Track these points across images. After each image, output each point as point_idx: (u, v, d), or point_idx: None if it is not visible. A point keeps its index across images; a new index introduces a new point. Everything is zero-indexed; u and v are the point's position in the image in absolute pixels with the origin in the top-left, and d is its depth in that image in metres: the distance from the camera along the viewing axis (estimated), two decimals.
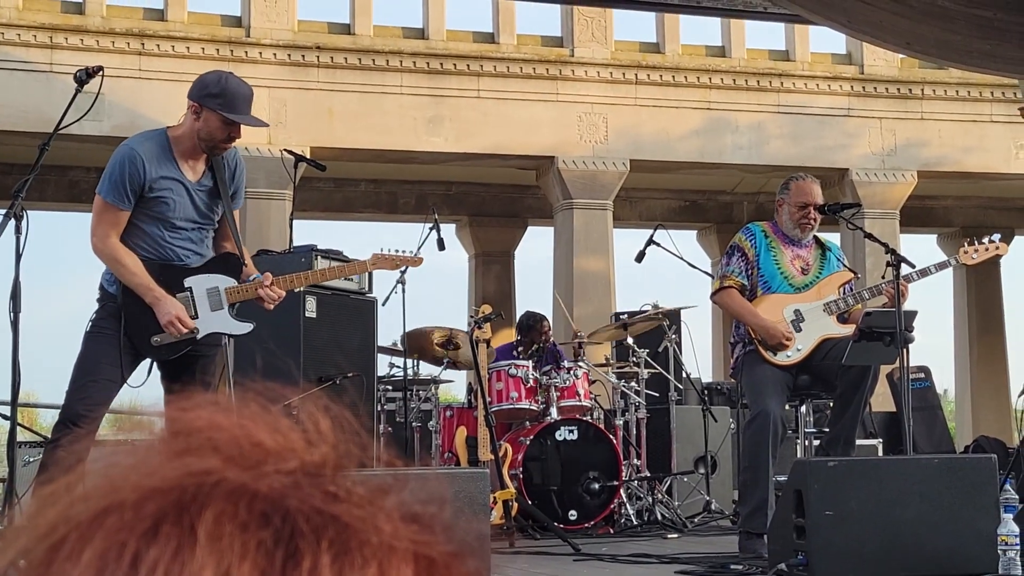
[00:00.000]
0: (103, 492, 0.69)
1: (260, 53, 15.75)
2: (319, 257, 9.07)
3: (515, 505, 8.36)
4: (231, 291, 5.80)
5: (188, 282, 5.73)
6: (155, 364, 5.81)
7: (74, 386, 5.57)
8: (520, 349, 10.67)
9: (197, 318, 5.71)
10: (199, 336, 5.71)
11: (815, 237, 7.48)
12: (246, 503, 0.67)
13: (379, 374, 9.88)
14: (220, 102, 5.62)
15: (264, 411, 0.74)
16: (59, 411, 5.71)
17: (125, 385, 5.67)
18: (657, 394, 10.70)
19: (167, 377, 5.83)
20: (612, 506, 9.40)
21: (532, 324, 10.80)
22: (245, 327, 5.90)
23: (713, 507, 10.10)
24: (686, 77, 17.27)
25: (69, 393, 5.57)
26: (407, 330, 9.85)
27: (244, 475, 0.69)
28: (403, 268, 6.38)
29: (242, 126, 5.73)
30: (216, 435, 0.71)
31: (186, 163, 5.73)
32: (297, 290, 6.31)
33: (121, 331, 5.59)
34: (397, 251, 6.41)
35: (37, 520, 0.70)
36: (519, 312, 13.22)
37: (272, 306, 5.91)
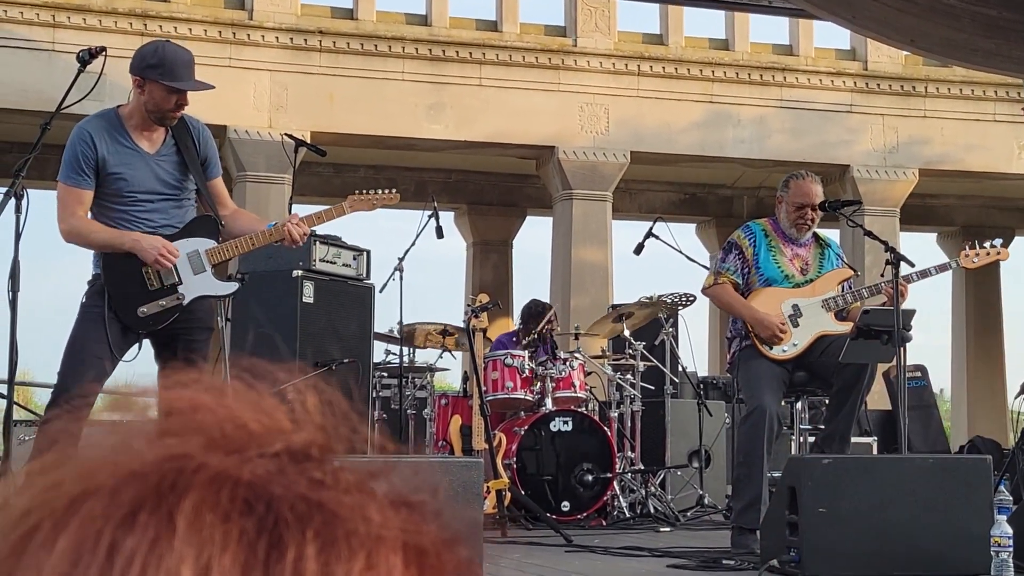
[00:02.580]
0: (80, 476, 0.66)
1: (262, 36, 15.72)
2: (317, 242, 9.07)
3: (508, 495, 8.36)
4: (212, 252, 5.81)
5: None
6: (148, 341, 5.81)
7: (64, 366, 5.60)
8: (518, 337, 10.64)
9: (181, 284, 5.71)
10: (185, 301, 5.70)
11: (815, 234, 7.45)
12: (228, 490, 0.65)
13: (375, 361, 9.88)
14: (160, 71, 5.64)
15: (249, 389, 0.72)
16: (51, 391, 5.72)
17: (121, 362, 5.68)
18: (652, 387, 10.70)
19: (160, 357, 5.83)
20: (605, 498, 9.40)
21: (541, 311, 10.71)
22: (230, 287, 5.92)
23: (706, 501, 10.09)
24: (689, 70, 17.25)
25: (60, 373, 5.60)
26: (403, 325, 9.83)
27: (226, 460, 0.66)
28: (379, 206, 6.33)
29: (188, 92, 5.75)
30: (198, 416, 0.69)
31: (140, 135, 5.75)
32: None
33: (105, 306, 5.59)
34: (373, 191, 6.38)
35: (11, 505, 0.67)
36: (516, 301, 13.21)
37: (298, 245, 6.02)
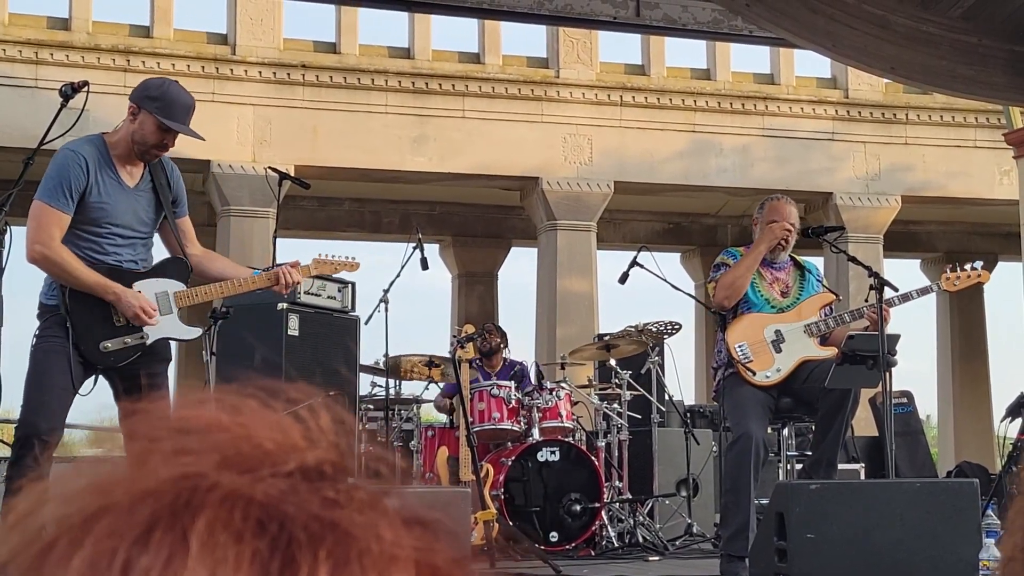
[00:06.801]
0: (96, 492, 0.67)
1: (245, 71, 15.74)
2: None
3: (496, 526, 8.34)
4: (180, 295, 5.75)
5: (137, 286, 5.62)
6: (104, 377, 5.69)
7: (29, 400, 5.44)
8: (480, 361, 10.72)
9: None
10: (148, 341, 5.62)
11: (792, 258, 7.45)
12: (241, 510, 0.65)
13: (361, 393, 9.86)
14: (158, 106, 5.58)
15: (265, 408, 0.72)
16: (15, 427, 5.58)
17: (78, 396, 5.57)
18: (639, 416, 10.69)
19: (117, 392, 5.69)
20: (593, 528, 9.38)
21: (481, 329, 10.88)
22: (194, 332, 5.87)
23: (695, 530, 10.08)
24: (671, 99, 17.30)
25: (25, 408, 5.44)
26: (389, 357, 9.83)
27: (240, 479, 0.67)
28: (341, 272, 6.39)
29: (178, 135, 5.69)
30: (214, 434, 0.69)
31: (123, 168, 5.68)
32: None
33: (69, 340, 5.49)
34: (337, 256, 6.37)
35: (25, 523, 0.68)
36: None
37: (287, 291, 6.05)
